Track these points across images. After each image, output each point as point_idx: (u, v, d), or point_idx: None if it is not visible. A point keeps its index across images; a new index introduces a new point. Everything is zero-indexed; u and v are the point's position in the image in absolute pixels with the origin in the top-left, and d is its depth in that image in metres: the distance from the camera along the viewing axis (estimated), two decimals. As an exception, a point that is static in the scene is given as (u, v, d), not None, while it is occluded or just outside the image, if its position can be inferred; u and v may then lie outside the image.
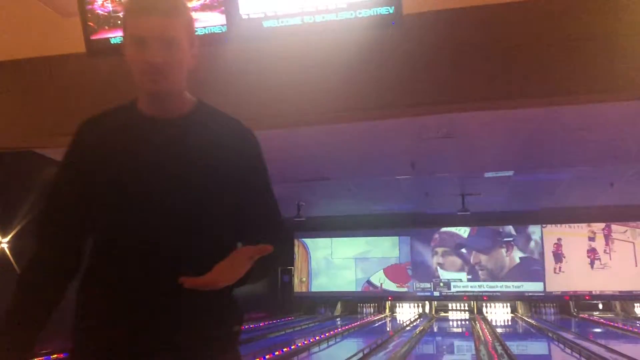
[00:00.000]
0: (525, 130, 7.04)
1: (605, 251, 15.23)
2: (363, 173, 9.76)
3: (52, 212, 1.45)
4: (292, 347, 9.41)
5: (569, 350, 8.52)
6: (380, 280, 16.87)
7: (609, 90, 3.72)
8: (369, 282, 16.93)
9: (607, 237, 15.29)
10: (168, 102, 1.43)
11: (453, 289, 16.40)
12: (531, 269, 15.86)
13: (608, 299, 15.03)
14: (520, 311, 15.75)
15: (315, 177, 9.80)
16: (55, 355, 5.67)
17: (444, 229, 16.60)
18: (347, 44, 3.61)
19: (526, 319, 14.49)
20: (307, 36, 3.35)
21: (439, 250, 16.66)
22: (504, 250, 16.22)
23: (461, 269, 16.47)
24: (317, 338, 10.51)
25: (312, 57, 3.88)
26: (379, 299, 16.85)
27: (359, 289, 16.96)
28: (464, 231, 16.58)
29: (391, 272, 16.90)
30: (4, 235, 7.89)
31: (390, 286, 16.83)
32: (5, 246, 7.87)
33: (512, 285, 15.96)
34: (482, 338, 10.00)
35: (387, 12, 3.16)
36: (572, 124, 6.65)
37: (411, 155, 8.47)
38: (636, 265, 14.89)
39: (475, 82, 3.89)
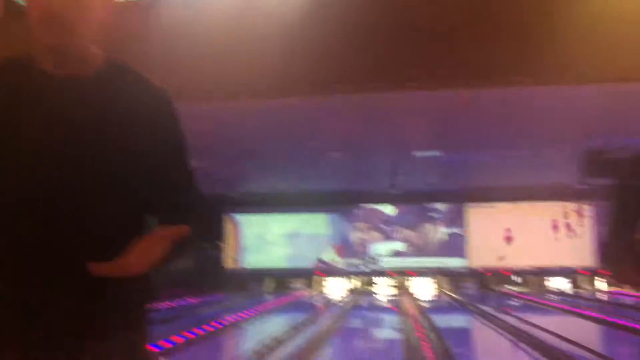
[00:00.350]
0: (452, 111, 7.25)
1: (522, 229, 16.06)
2: (294, 150, 9.76)
3: None
4: (222, 323, 9.38)
5: (488, 323, 8.98)
6: (331, 257, 17.06)
7: (533, 75, 3.88)
8: (320, 260, 17.00)
9: (524, 216, 16.15)
10: (72, 58, 1.25)
11: (381, 265, 16.85)
12: (455, 245, 16.52)
13: (524, 275, 15.97)
14: (444, 286, 16.43)
15: (246, 154, 9.71)
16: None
17: (371, 206, 16.96)
18: (281, 17, 3.56)
19: (450, 293, 15.12)
20: (240, 11, 3.27)
21: (366, 226, 17.02)
22: (429, 226, 16.77)
23: (388, 246, 16.92)
24: (247, 314, 10.53)
25: (244, 32, 3.80)
26: (309, 274, 17.05)
27: (290, 266, 17.07)
28: (390, 208, 16.99)
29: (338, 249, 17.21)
30: None
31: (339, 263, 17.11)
32: None
33: (437, 261, 16.58)
34: (408, 312, 10.36)
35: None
36: (496, 107, 6.91)
37: (342, 133, 8.56)
38: (550, 242, 15.90)
39: (405, 64, 3.95)
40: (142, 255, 1.14)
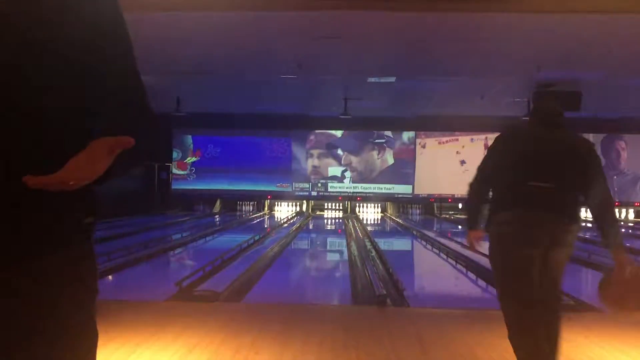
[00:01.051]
0: (410, 36, 7.13)
1: (464, 161, 16.48)
2: (248, 69, 9.48)
3: None
4: (168, 242, 9.39)
5: (429, 247, 9.33)
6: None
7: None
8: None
9: (473, 147, 16.55)
10: None
11: (330, 189, 17.07)
12: (402, 172, 16.85)
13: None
14: (389, 211, 16.91)
15: (197, 70, 9.36)
16: None
17: (319, 131, 16.94)
18: None
19: (394, 218, 15.58)
20: None
21: (315, 152, 17.07)
22: (375, 153, 16.97)
23: (336, 170, 17.10)
24: (193, 234, 10.55)
25: None
26: (258, 197, 17.14)
27: (241, 188, 17.05)
28: (338, 133, 17.04)
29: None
30: None
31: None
32: None
33: (384, 187, 16.93)
34: (354, 235, 10.63)
35: None
36: (457, 32, 6.83)
37: (298, 54, 8.33)
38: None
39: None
40: (82, 167, 1.03)
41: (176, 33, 6.84)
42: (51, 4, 1.11)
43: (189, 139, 17.18)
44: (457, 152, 16.64)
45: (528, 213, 2.38)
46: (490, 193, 2.54)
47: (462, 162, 16.45)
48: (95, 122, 1.17)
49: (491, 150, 2.57)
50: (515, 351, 2.35)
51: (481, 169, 2.57)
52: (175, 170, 17.12)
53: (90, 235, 1.22)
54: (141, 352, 3.06)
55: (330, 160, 17.10)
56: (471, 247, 2.56)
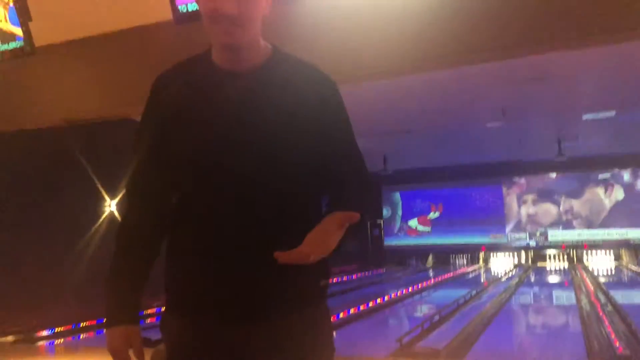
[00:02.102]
0: (627, 65, 6.51)
1: None
2: (452, 123, 9.50)
3: (135, 174, 1.43)
4: (386, 298, 9.56)
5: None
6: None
7: None
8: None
9: None
10: (243, 54, 1.34)
11: (550, 238, 15.80)
12: (637, 213, 14.88)
13: None
14: (625, 259, 14.94)
15: (402, 129, 9.67)
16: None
17: (536, 176, 15.87)
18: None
19: (633, 267, 13.75)
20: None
21: (528, 198, 16.01)
22: (601, 191, 15.28)
23: (555, 216, 15.77)
24: (409, 289, 10.59)
25: (387, 8, 3.77)
26: (472, 250, 16.60)
27: (454, 242, 16.69)
28: (552, 174, 15.77)
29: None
30: (113, 198, 8.50)
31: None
32: (114, 209, 8.49)
33: (615, 233, 15.11)
34: (583, 288, 9.64)
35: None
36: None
37: (501, 100, 8.12)
38: None
39: (565, 20, 3.63)
40: (319, 244, 1.19)
41: (380, 97, 7.22)
42: (293, 99, 1.35)
43: (397, 196, 17.54)
44: None
45: None
46: None
47: None
48: (324, 190, 1.38)
49: None
50: None
51: None
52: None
53: (325, 296, 1.40)
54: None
55: (548, 206, 15.89)
56: None
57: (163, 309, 1.41)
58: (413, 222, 17.11)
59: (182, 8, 3.50)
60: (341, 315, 7.00)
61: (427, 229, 16.99)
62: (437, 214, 16.90)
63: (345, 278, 12.60)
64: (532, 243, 15.96)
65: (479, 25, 3.76)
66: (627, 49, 5.70)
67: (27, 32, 3.77)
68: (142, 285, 1.41)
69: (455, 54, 3.92)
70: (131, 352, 1.37)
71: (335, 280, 11.67)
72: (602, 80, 7.26)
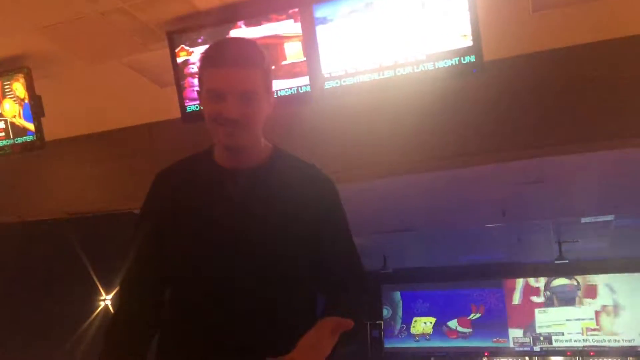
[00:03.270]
0: (626, 171, 6.65)
1: None
2: (448, 223, 9.54)
3: (131, 269, 1.42)
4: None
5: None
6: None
7: None
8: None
9: None
10: (245, 154, 1.37)
11: (555, 343, 15.29)
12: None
13: None
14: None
15: (401, 228, 9.69)
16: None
17: (534, 278, 15.63)
18: (426, 94, 3.62)
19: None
20: (385, 90, 3.38)
21: (534, 299, 15.69)
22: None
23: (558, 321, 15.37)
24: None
25: (389, 110, 3.92)
26: (474, 354, 16.00)
27: (450, 344, 16.19)
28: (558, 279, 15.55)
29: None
30: (107, 292, 8.36)
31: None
32: (108, 303, 8.32)
33: (622, 339, 14.65)
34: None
35: (469, 61, 3.09)
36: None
37: (500, 202, 8.21)
38: None
39: (564, 125, 3.76)
40: (312, 351, 1.16)
41: (377, 195, 7.30)
42: (293, 199, 1.35)
43: (397, 295, 17.20)
44: None
45: None
46: None
47: None
48: (320, 288, 1.35)
49: None
50: None
51: None
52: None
53: None
54: None
55: (550, 309, 15.54)
56: None
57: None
58: (453, 323, 16.38)
59: (189, 108, 3.63)
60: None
61: (468, 330, 16.28)
62: (478, 315, 16.30)
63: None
64: (537, 349, 15.42)
65: (478, 127, 3.88)
66: (624, 154, 5.85)
67: (38, 127, 3.89)
68: None
69: (452, 156, 4.03)
70: None
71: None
72: (600, 184, 7.38)
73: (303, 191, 1.36)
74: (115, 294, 8.21)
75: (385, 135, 3.98)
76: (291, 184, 1.36)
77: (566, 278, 15.25)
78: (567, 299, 15.36)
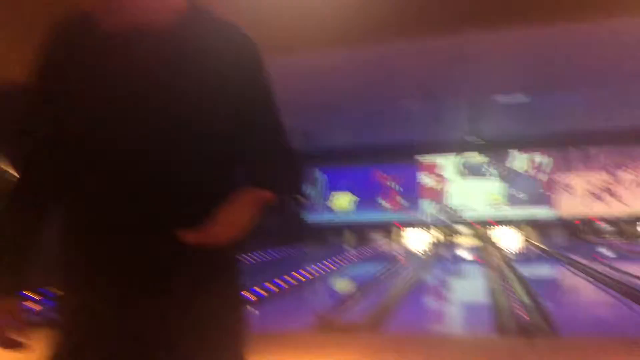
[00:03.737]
0: (542, 49, 6.80)
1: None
2: (369, 101, 9.60)
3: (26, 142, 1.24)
4: (306, 274, 9.60)
5: (579, 272, 8.64)
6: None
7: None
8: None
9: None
10: (151, 7, 1.18)
11: (462, 215, 16.54)
12: (540, 193, 15.88)
13: (617, 223, 15.25)
14: (531, 236, 15.87)
15: (321, 106, 9.66)
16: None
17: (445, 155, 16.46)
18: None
19: (537, 244, 14.62)
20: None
21: (443, 175, 16.71)
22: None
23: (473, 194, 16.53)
24: (329, 266, 10.71)
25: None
26: (388, 226, 17.03)
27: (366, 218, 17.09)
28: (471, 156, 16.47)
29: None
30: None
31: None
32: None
33: (521, 211, 16.06)
34: (493, 263, 10.14)
35: None
36: (591, 40, 6.40)
37: (420, 80, 8.29)
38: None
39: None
40: (230, 224, 1.11)
41: (300, 70, 7.14)
42: (208, 60, 1.19)
43: (317, 172, 17.65)
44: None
45: None
46: None
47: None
48: (241, 159, 1.26)
49: None
50: None
51: None
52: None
53: (239, 273, 1.28)
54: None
55: (460, 183, 16.62)
56: None
57: (56, 289, 1.25)
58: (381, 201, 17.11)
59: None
60: (261, 293, 6.94)
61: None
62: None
63: (264, 254, 12.55)
64: (446, 219, 16.63)
65: (402, 3, 3.76)
66: (542, 34, 5.95)
67: None
68: (29, 247, 1.22)
69: (379, 30, 3.92)
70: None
71: (254, 256, 11.59)
72: (516, 64, 7.56)
73: (223, 50, 1.19)
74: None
75: (314, 10, 3.79)
76: (208, 43, 1.19)
77: (477, 153, 16.18)
78: (476, 173, 16.42)
